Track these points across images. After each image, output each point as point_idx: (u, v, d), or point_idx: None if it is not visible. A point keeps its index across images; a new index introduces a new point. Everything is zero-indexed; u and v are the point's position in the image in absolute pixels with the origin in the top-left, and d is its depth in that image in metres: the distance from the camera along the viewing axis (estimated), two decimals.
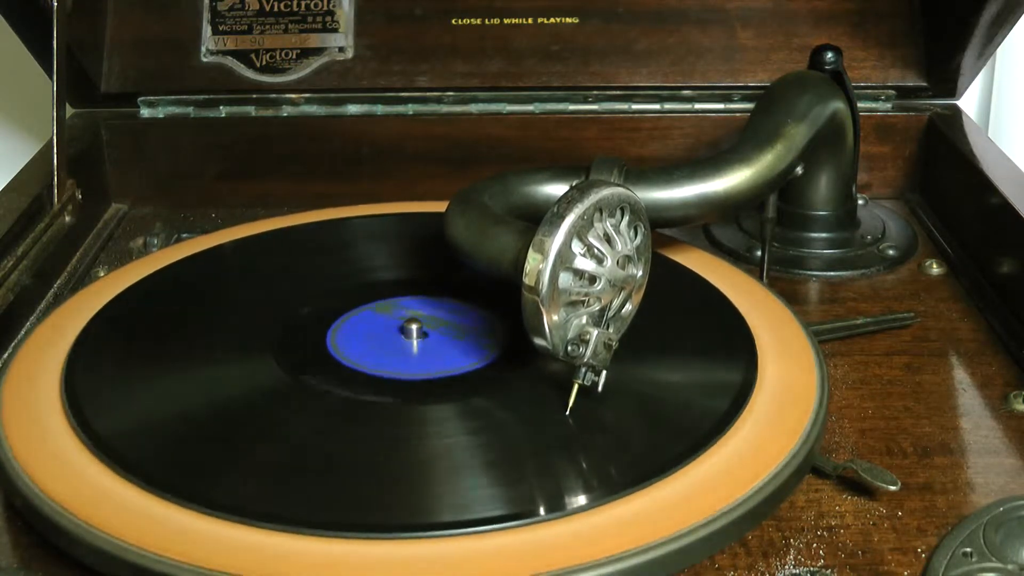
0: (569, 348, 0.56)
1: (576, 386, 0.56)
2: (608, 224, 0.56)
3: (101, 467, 0.53)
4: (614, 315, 0.57)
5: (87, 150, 0.86)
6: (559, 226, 0.54)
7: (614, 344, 0.56)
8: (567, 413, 0.56)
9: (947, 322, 0.71)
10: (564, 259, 0.54)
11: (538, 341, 0.56)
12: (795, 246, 0.79)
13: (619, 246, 0.56)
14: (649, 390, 0.60)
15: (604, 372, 0.56)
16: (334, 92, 0.89)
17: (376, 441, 0.55)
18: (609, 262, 0.56)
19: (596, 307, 0.56)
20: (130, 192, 0.89)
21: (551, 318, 0.54)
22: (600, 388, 0.56)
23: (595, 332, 0.55)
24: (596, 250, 0.55)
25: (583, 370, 0.56)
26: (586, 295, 0.56)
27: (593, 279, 0.55)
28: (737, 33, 0.89)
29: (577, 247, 0.55)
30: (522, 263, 0.54)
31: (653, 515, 0.50)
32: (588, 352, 0.55)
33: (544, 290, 0.54)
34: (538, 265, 0.54)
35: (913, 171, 0.88)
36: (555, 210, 0.55)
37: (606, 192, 0.56)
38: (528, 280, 0.54)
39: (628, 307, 0.58)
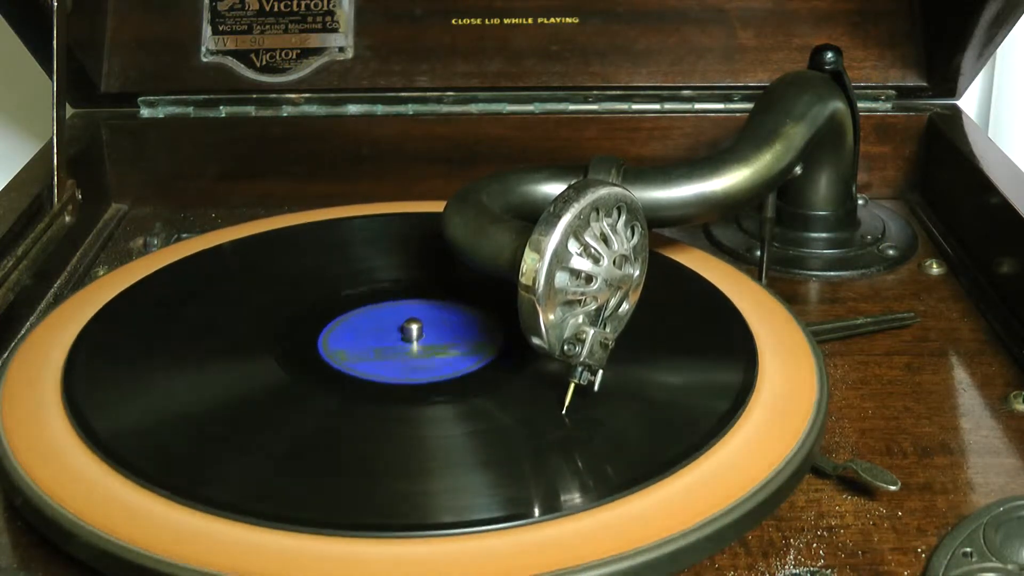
0: (565, 347, 0.56)
1: (573, 385, 0.56)
2: (605, 224, 0.56)
3: (101, 467, 0.53)
4: (611, 314, 0.57)
5: (87, 150, 0.86)
6: (555, 225, 0.54)
7: (610, 343, 0.56)
8: (564, 412, 0.56)
9: (947, 322, 0.71)
10: (560, 258, 0.54)
11: (534, 340, 0.56)
12: (795, 246, 0.79)
13: (616, 245, 0.56)
14: (649, 390, 0.59)
15: (600, 371, 0.56)
16: (334, 92, 0.89)
17: (376, 441, 0.55)
18: (606, 261, 0.56)
19: (592, 306, 0.56)
20: (130, 192, 0.89)
21: (547, 317, 0.54)
22: (596, 387, 0.56)
23: (591, 331, 0.55)
24: (592, 249, 0.55)
25: (579, 369, 0.56)
26: (582, 294, 0.56)
27: (589, 278, 0.55)
28: (737, 33, 0.89)
29: (573, 246, 0.55)
30: (519, 262, 0.54)
31: (653, 515, 0.50)
32: (584, 351, 0.55)
33: (540, 289, 0.54)
34: (535, 264, 0.54)
35: (913, 171, 0.88)
36: (551, 209, 0.55)
37: (603, 192, 0.56)
38: (524, 279, 0.54)
39: (625, 306, 0.58)
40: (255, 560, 0.47)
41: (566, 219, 0.54)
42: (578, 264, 0.55)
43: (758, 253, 0.76)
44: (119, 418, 0.57)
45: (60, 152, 0.78)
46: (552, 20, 0.89)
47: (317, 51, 0.89)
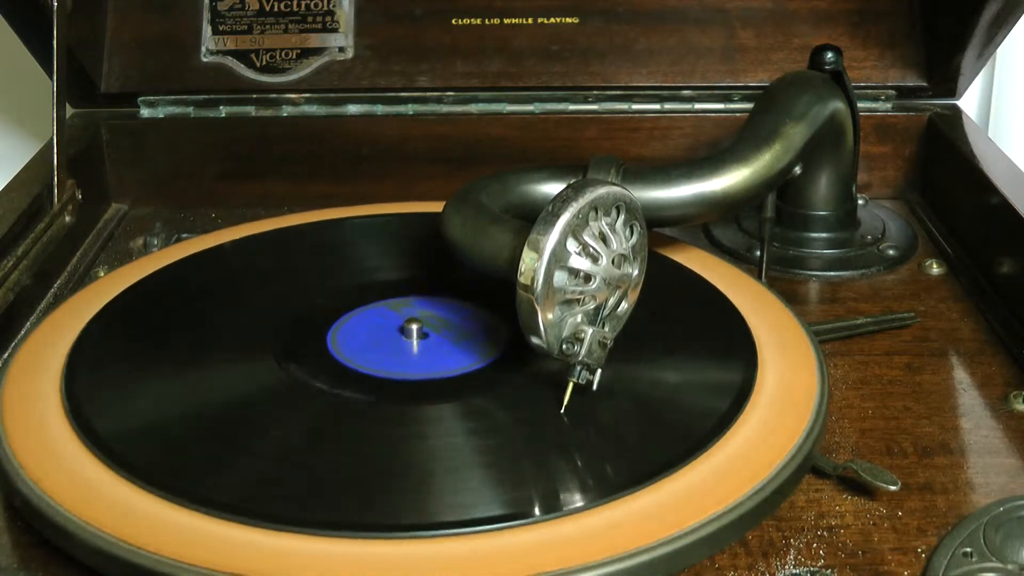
0: (564, 347, 0.56)
1: (571, 384, 0.56)
2: (603, 223, 0.56)
3: (101, 467, 0.53)
4: (609, 314, 0.57)
5: (87, 150, 0.86)
6: (554, 225, 0.54)
7: (609, 343, 0.56)
8: (563, 411, 0.56)
9: (947, 322, 0.71)
10: (559, 258, 0.54)
11: (533, 339, 0.56)
12: (795, 246, 0.79)
13: (614, 245, 0.56)
14: (649, 390, 0.59)
15: (599, 371, 0.56)
16: (334, 92, 0.89)
17: (376, 441, 0.55)
18: (604, 261, 0.56)
19: (591, 305, 0.56)
20: (130, 192, 0.89)
21: (546, 316, 0.55)
22: (595, 387, 0.56)
23: (590, 331, 0.55)
24: (591, 249, 0.55)
25: (578, 368, 0.56)
26: (581, 294, 0.56)
27: (588, 278, 0.56)
28: (737, 33, 0.89)
29: (572, 246, 0.55)
30: (517, 261, 0.54)
31: (653, 515, 0.50)
32: (583, 350, 0.55)
33: (539, 288, 0.54)
34: (533, 264, 0.54)
35: (913, 171, 0.88)
36: (550, 209, 0.55)
37: (601, 191, 0.56)
38: (523, 279, 0.54)
39: (624, 306, 0.58)
40: (255, 560, 0.47)
41: (564, 218, 0.54)
42: (577, 263, 0.55)
43: (758, 253, 0.76)
44: (119, 418, 0.57)
45: (60, 152, 0.78)
46: (552, 20, 0.89)
47: (317, 51, 0.89)
